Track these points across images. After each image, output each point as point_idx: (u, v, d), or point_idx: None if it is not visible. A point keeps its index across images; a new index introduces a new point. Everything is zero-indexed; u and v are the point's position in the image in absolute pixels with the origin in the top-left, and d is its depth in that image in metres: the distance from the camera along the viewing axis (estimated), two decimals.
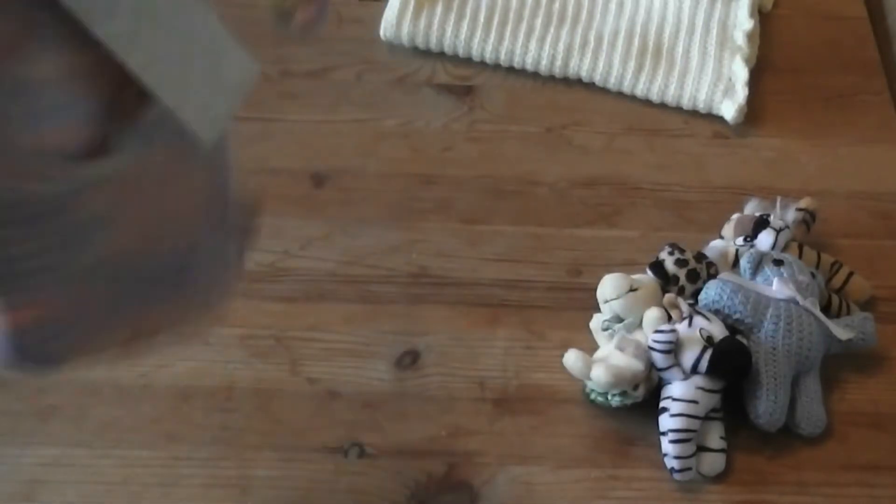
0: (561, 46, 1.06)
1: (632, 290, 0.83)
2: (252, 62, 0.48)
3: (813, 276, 0.86)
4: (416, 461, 0.80)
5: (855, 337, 0.84)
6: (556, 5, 1.09)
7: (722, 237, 0.91)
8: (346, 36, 1.08)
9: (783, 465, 0.81)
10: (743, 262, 0.86)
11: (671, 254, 0.86)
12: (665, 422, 0.79)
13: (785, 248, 0.88)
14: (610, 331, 0.84)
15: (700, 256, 0.86)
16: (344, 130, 1.01)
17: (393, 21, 1.07)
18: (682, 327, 0.80)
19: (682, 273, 0.84)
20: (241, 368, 0.85)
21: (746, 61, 1.04)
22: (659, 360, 0.79)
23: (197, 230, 0.54)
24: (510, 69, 1.07)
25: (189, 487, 0.79)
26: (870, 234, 0.95)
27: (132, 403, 0.82)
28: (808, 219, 0.90)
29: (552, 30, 1.07)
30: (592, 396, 0.82)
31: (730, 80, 1.04)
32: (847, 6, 1.14)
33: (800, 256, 0.88)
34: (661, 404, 0.80)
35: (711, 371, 0.79)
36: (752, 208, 0.91)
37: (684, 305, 0.82)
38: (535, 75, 1.06)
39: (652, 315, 0.82)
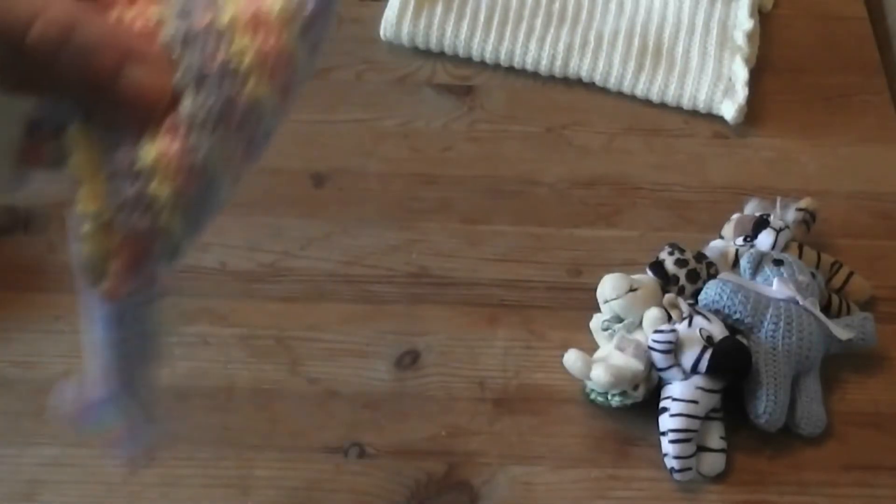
0: (561, 46, 1.06)
1: (632, 290, 0.83)
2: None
3: (813, 276, 0.86)
4: (416, 461, 0.80)
5: (855, 337, 0.84)
6: (556, 5, 1.09)
7: (722, 237, 0.91)
8: (346, 36, 1.08)
9: (783, 465, 0.81)
10: (743, 262, 0.86)
11: (671, 254, 0.86)
12: (665, 422, 0.79)
13: (785, 248, 0.88)
14: (610, 331, 0.84)
15: (700, 256, 0.86)
16: (344, 130, 1.01)
17: (393, 21, 1.07)
18: (682, 327, 0.80)
19: (682, 273, 0.84)
20: (241, 368, 0.85)
21: (746, 61, 1.04)
22: (659, 360, 0.79)
23: None
24: (510, 69, 1.07)
25: (189, 487, 0.79)
26: (870, 234, 0.95)
27: None
28: (808, 219, 0.90)
29: (552, 30, 1.07)
30: (592, 396, 0.82)
31: (730, 80, 1.04)
32: (847, 6, 1.14)
33: (800, 256, 0.88)
34: (661, 404, 0.80)
35: (711, 371, 0.79)
36: (752, 208, 0.91)
37: (684, 305, 0.82)
38: (535, 75, 1.06)
39: (652, 315, 0.82)
